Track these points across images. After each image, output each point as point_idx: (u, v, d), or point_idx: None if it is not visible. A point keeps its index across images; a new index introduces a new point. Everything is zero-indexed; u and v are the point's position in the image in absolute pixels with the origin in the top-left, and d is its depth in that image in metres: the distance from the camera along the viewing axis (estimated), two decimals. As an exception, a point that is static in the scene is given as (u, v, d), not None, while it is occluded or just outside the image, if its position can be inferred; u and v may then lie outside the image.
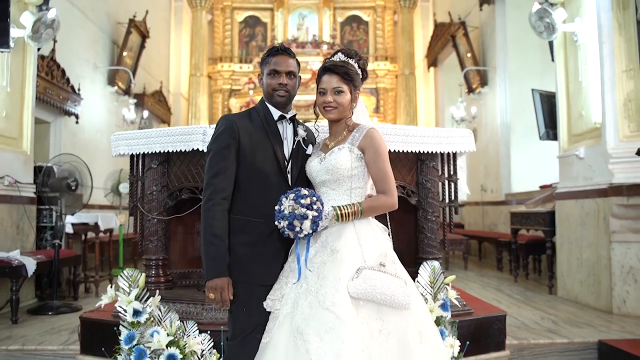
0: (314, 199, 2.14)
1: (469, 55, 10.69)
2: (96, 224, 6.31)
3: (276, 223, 2.15)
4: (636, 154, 3.81)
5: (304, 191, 2.15)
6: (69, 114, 8.00)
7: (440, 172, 3.61)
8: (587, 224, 5.17)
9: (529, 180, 8.59)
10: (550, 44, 6.01)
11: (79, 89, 8.22)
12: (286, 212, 2.12)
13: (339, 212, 2.19)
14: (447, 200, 3.65)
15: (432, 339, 2.17)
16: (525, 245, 7.02)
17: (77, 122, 8.26)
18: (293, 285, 2.18)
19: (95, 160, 7.87)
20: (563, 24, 5.52)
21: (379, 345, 2.06)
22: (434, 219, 3.52)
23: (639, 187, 4.51)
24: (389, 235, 2.36)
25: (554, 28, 5.41)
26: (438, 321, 2.93)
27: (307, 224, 2.11)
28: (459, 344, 3.00)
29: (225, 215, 2.26)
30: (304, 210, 2.10)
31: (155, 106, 12.24)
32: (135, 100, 10.52)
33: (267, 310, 2.22)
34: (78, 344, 3.64)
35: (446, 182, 3.65)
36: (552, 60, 6.01)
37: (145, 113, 11.05)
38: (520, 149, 9.12)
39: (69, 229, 5.97)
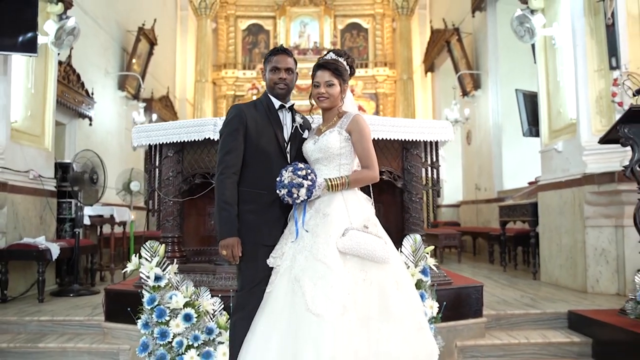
0: (309, 171, 2.59)
1: (463, 60, 11.16)
2: (112, 216, 6.78)
3: (277, 191, 2.60)
4: (598, 142, 4.25)
5: (301, 165, 2.61)
6: (83, 116, 8.50)
7: (423, 159, 4.07)
8: (565, 212, 5.61)
9: (519, 177, 9.00)
10: (533, 47, 6.48)
11: (92, 93, 8.72)
12: (286, 181, 2.57)
13: (329, 183, 2.63)
14: (430, 184, 4.11)
15: (406, 287, 2.61)
16: (514, 237, 7.46)
17: (90, 124, 8.76)
18: (291, 243, 2.62)
19: (106, 161, 8.31)
20: (543, 29, 5.99)
21: (362, 291, 2.50)
22: (417, 200, 3.98)
23: (608, 175, 4.93)
24: (372, 204, 2.81)
25: (533, 32, 5.88)
26: (419, 285, 3.36)
27: (303, 191, 2.56)
28: (438, 305, 3.43)
29: (235, 186, 2.71)
30: (300, 179, 2.55)
31: (163, 110, 12.75)
32: (144, 104, 11.02)
33: (270, 266, 2.66)
34: (102, 315, 4.10)
35: (429, 168, 4.10)
36: (535, 62, 6.46)
37: (154, 116, 11.55)
38: (510, 148, 9.57)
39: (86, 221, 6.42)
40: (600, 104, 5.26)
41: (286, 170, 2.59)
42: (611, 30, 5.07)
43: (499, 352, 3.84)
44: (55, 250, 5.18)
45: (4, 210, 5.19)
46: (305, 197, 2.57)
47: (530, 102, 6.92)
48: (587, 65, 5.32)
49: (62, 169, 6.37)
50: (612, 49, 5.07)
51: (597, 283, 5.18)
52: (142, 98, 11.29)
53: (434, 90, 14.85)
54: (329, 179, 2.64)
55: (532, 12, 6.04)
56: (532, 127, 6.86)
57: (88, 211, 6.44)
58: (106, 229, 7.19)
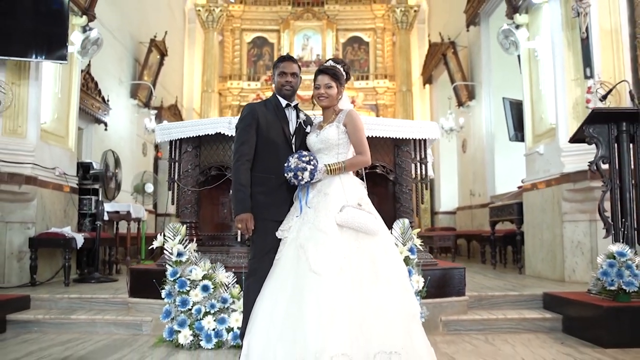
0: (312, 157, 3.11)
1: (458, 72, 11.72)
2: (128, 212, 7.29)
3: (285, 174, 3.11)
4: (569, 141, 4.77)
5: (305, 152, 3.12)
6: (99, 121, 9.06)
7: (413, 156, 4.58)
8: (545, 209, 6.11)
9: (510, 182, 9.47)
10: (518, 58, 7.03)
11: (107, 100, 9.28)
12: (292, 166, 3.08)
13: (329, 168, 3.14)
14: (418, 178, 4.63)
15: (393, 255, 3.11)
16: (503, 237, 7.95)
17: (105, 129, 9.31)
18: (297, 218, 3.13)
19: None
20: (526, 42, 6.54)
21: (356, 257, 3.00)
22: (407, 191, 4.49)
23: (582, 173, 5.43)
24: (364, 187, 3.32)
25: (518, 45, 6.42)
26: (406, 261, 3.85)
27: (306, 174, 3.07)
28: (423, 280, 3.93)
29: (249, 172, 3.23)
30: (304, 164, 3.07)
31: (171, 119, 13.28)
32: (155, 112, 11.57)
33: (279, 237, 3.16)
34: (125, 293, 4.60)
35: (418, 163, 4.62)
36: (520, 72, 7.01)
37: (165, 123, 12.09)
38: (502, 155, 10.06)
39: (105, 216, 6.92)
40: (576, 109, 5.78)
41: (292, 157, 3.10)
42: (586, 44, 5.60)
43: (479, 326, 4.31)
44: (79, 239, 5.70)
45: (34, 202, 5.72)
46: (309, 179, 3.08)
47: (516, 109, 7.46)
48: (565, 75, 5.86)
49: (83, 168, 6.90)
50: (587, 60, 5.60)
51: (573, 273, 5.67)
52: (153, 106, 11.86)
53: (432, 102, 15.39)
54: (329, 164, 3.14)
55: (517, 26, 6.61)
56: (518, 132, 7.39)
57: (106, 207, 6.95)
58: (122, 228, 7.70)
